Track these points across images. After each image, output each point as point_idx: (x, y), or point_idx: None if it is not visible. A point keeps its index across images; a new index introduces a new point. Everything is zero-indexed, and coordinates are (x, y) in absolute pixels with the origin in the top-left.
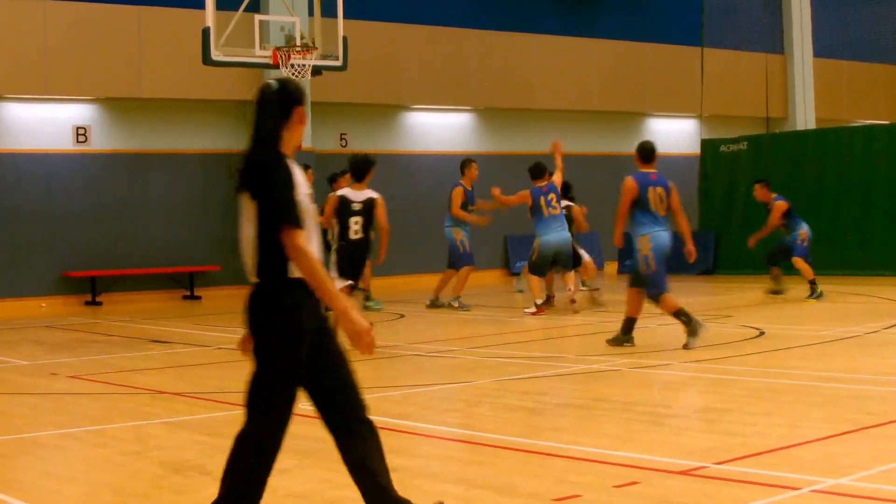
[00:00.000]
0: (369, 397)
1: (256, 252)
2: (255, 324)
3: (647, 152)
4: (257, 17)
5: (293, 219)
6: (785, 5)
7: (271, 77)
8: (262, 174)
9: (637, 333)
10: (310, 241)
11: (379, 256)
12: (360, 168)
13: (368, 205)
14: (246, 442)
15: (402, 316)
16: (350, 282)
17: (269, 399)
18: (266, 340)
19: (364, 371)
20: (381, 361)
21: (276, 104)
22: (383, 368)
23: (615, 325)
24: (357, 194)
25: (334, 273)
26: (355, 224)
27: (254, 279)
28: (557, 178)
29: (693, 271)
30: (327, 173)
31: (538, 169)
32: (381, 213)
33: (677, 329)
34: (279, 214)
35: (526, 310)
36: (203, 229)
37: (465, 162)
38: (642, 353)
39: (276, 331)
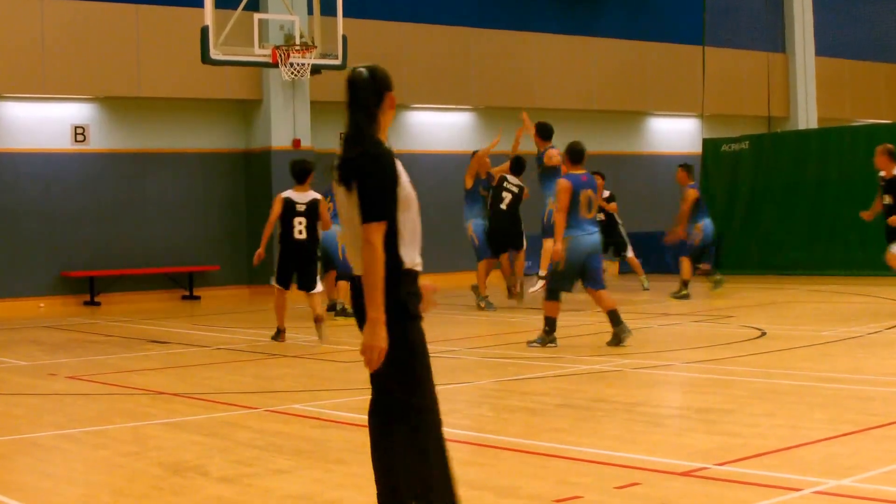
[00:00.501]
0: (368, 399)
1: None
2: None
3: (577, 153)
4: (256, 16)
5: (375, 214)
6: (787, 4)
7: (270, 74)
8: (359, 167)
9: (638, 334)
10: (416, 226)
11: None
12: (301, 172)
13: (312, 206)
14: (424, 433)
15: None
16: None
17: (422, 379)
18: (394, 329)
19: (364, 372)
20: None
21: (370, 91)
22: None
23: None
24: (301, 196)
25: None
26: (299, 224)
27: (360, 272)
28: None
29: (694, 271)
30: (327, 173)
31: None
32: (324, 213)
33: (679, 330)
34: (368, 208)
35: (531, 288)
36: (202, 229)
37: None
38: (643, 354)
39: (393, 321)
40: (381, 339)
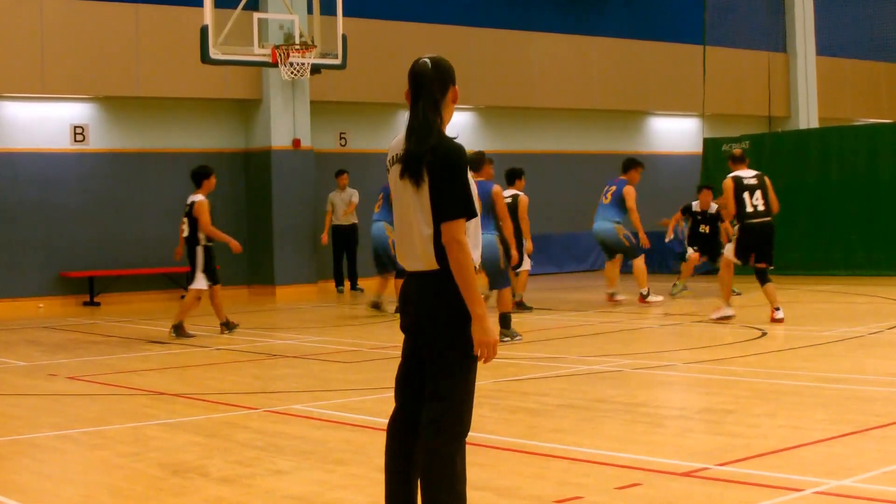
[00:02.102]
0: (369, 399)
1: (434, 241)
2: (443, 313)
3: (475, 162)
4: (256, 15)
5: (460, 211)
6: (788, 3)
7: (270, 74)
8: (441, 161)
9: (639, 334)
10: (477, 225)
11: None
12: (194, 175)
13: (191, 206)
14: (458, 440)
15: None
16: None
17: (472, 390)
18: (458, 330)
19: (365, 372)
20: (381, 362)
21: (436, 82)
22: (384, 369)
23: (620, 325)
24: (189, 198)
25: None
26: (184, 224)
27: (429, 266)
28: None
29: (694, 271)
30: (327, 173)
31: None
32: (199, 216)
33: (680, 330)
34: (456, 205)
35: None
36: None
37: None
38: (644, 354)
39: (461, 326)
40: (493, 333)
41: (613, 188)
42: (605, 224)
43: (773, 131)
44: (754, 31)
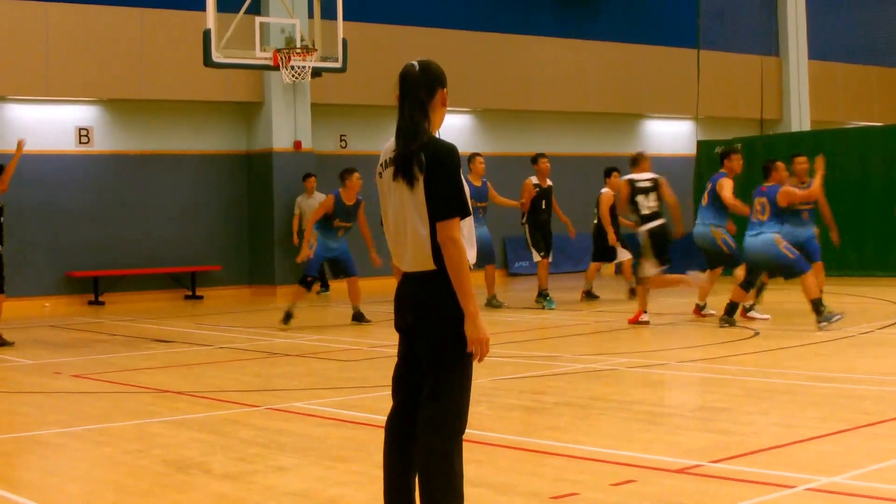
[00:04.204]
0: (369, 397)
1: (430, 241)
2: (439, 313)
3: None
4: (258, 20)
5: (456, 209)
6: (780, 8)
7: (272, 77)
8: (435, 159)
9: (634, 333)
10: (471, 223)
11: None
12: None
13: None
14: (455, 438)
15: None
16: None
17: (469, 389)
18: (455, 330)
19: (365, 370)
20: (379, 361)
21: (422, 85)
22: (382, 368)
23: (615, 325)
24: None
25: None
26: None
27: (425, 267)
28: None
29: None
30: (327, 174)
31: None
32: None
33: (674, 329)
34: (450, 204)
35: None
36: (205, 230)
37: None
38: (639, 353)
39: (458, 325)
40: (485, 331)
41: (710, 186)
42: (700, 228)
43: (766, 134)
44: (747, 35)
